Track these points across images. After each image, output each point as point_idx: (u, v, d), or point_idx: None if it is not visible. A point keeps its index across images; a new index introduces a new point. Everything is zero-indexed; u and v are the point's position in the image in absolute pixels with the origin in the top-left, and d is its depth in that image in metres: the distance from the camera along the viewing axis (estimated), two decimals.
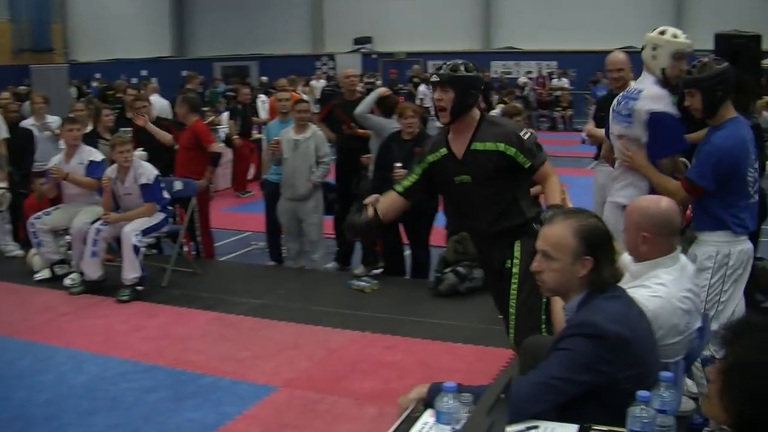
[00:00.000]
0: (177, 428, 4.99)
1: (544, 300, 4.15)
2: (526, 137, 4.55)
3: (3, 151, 9.26)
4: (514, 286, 4.62)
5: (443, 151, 4.66)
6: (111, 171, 7.95)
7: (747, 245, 4.77)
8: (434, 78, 4.52)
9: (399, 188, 4.84)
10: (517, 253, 4.60)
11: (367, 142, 8.53)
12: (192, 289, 7.98)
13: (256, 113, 14.90)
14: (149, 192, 7.87)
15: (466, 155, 4.57)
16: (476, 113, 4.61)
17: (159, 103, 12.89)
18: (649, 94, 5.18)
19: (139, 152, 8.27)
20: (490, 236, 4.67)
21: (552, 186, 4.62)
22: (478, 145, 4.54)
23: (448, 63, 4.54)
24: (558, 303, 3.48)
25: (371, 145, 8.43)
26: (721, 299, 4.70)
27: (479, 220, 4.66)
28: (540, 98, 27.02)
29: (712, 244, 4.71)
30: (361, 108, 8.35)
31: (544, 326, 4.41)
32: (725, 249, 4.68)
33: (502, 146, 4.49)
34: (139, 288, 7.68)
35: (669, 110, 5.10)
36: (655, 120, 5.12)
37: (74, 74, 28.29)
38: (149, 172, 7.91)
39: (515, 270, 4.60)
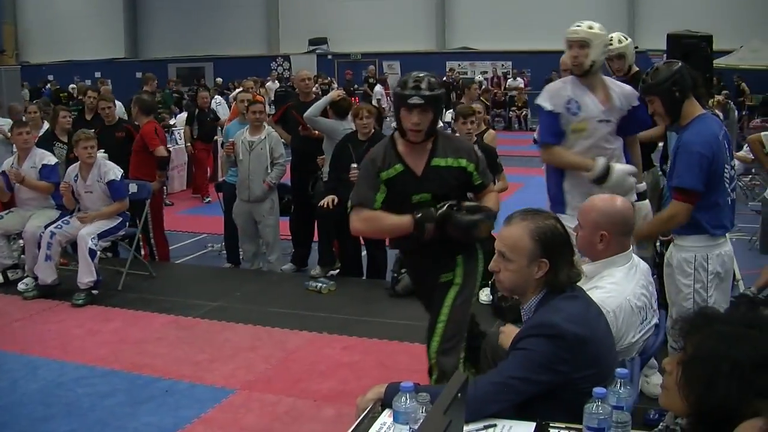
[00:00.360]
0: None
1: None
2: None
3: None
4: (452, 294, 4.40)
5: (398, 167, 4.31)
6: (72, 169, 7.91)
7: (725, 247, 4.65)
8: (416, 100, 4.10)
9: (377, 206, 4.35)
10: (459, 263, 4.43)
11: (322, 143, 8.52)
12: (148, 292, 7.93)
13: (215, 115, 14.79)
14: (116, 189, 7.86)
15: (427, 171, 4.31)
16: None
17: None
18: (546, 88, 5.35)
19: (101, 153, 8.17)
20: (440, 252, 4.39)
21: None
22: (440, 161, 4.32)
23: (418, 79, 4.17)
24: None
25: (324, 147, 8.43)
26: (709, 304, 4.55)
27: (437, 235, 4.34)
28: (495, 98, 27.17)
29: (689, 249, 4.61)
30: (311, 111, 8.33)
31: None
32: (702, 253, 4.57)
33: (464, 162, 4.34)
34: (95, 292, 7.60)
35: (542, 103, 5.18)
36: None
37: (26, 76, 27.92)
38: (115, 169, 7.90)
39: (457, 280, 4.42)
